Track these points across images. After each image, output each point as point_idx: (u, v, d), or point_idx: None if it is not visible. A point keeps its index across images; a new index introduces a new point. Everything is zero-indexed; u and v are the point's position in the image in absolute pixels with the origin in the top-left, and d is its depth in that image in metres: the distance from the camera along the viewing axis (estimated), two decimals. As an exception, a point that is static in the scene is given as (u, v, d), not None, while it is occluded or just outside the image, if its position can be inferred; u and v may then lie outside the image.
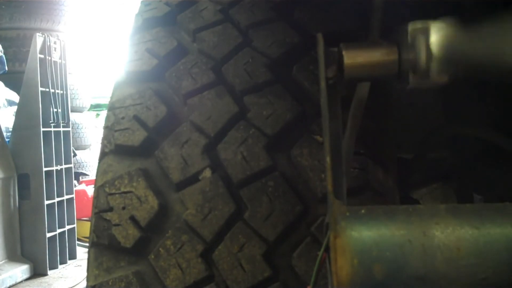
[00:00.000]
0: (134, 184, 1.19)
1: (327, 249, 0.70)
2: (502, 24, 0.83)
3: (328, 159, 0.76)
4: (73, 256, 5.48)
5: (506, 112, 1.50)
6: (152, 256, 1.14)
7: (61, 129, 5.30)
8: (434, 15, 0.91)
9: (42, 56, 5.08)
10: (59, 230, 5.21)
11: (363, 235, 0.67)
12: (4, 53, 5.90)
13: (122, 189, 1.20)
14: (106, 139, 1.27)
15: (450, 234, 0.66)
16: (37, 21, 7.75)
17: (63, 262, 5.29)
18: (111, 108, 1.31)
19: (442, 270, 0.65)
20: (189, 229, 1.14)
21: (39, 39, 5.06)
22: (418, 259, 0.66)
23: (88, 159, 8.15)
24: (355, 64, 0.86)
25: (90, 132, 8.45)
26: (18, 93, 5.33)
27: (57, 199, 5.18)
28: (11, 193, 4.90)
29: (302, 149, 1.19)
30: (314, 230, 1.13)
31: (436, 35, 0.84)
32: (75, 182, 5.89)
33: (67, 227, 5.37)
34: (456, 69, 0.84)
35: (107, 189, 1.21)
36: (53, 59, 5.22)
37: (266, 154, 1.18)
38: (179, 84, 1.29)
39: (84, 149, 8.29)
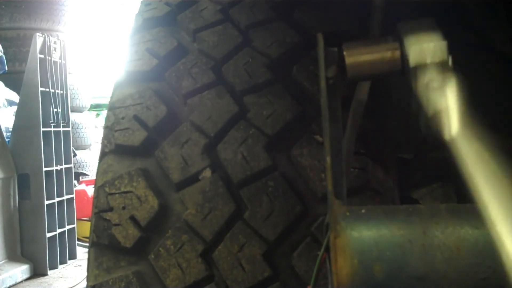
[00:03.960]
0: (134, 184, 1.19)
1: (327, 249, 0.70)
2: None
3: (328, 159, 0.76)
4: (73, 256, 5.47)
5: (506, 112, 1.50)
6: (152, 256, 1.14)
7: (61, 129, 5.29)
8: (433, 15, 0.90)
9: (42, 56, 5.07)
10: (59, 230, 5.21)
11: (363, 235, 0.67)
12: (4, 53, 5.89)
13: (122, 189, 1.20)
14: (106, 139, 1.27)
15: (450, 234, 0.66)
16: (37, 21, 7.75)
17: (63, 262, 5.29)
18: (111, 108, 1.31)
19: (442, 270, 0.65)
20: (189, 229, 1.14)
21: (39, 39, 5.06)
22: (418, 259, 0.66)
23: (88, 159, 8.14)
24: (357, 63, 0.86)
25: (90, 132, 8.44)
26: (18, 93, 5.32)
27: (57, 199, 5.17)
28: (11, 193, 4.89)
29: (302, 149, 1.19)
30: (314, 230, 1.13)
31: None
32: (75, 182, 5.88)
33: (67, 227, 5.36)
34: None
35: (107, 189, 1.21)
36: (53, 59, 5.21)
37: (266, 154, 1.18)
38: (179, 84, 1.29)
39: (84, 149, 8.29)
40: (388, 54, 0.85)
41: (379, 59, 0.85)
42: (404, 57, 0.83)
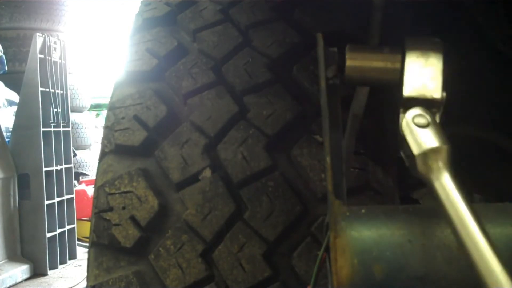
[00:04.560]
0: (134, 184, 1.19)
1: (327, 249, 0.70)
2: None
3: (328, 159, 0.76)
4: (73, 256, 5.47)
5: (506, 112, 1.50)
6: (152, 256, 1.14)
7: (61, 129, 5.29)
8: (433, 15, 0.90)
9: (42, 56, 5.07)
10: (59, 230, 5.21)
11: (363, 235, 0.67)
12: (4, 53, 5.89)
13: (122, 189, 1.20)
14: (106, 139, 1.27)
15: (450, 234, 0.66)
16: (37, 21, 7.75)
17: (63, 262, 5.29)
18: (111, 108, 1.31)
19: (442, 270, 0.65)
20: (189, 229, 1.14)
21: (39, 39, 5.06)
22: (418, 259, 0.66)
23: (88, 159, 8.14)
24: (356, 68, 0.86)
25: (90, 132, 8.44)
26: (18, 93, 5.32)
27: (57, 199, 5.18)
28: (11, 193, 4.90)
29: (302, 149, 1.19)
30: (314, 230, 1.13)
31: None
32: (75, 182, 5.88)
33: (67, 227, 5.37)
34: None
35: (107, 189, 1.21)
36: (53, 59, 5.21)
37: (266, 154, 1.18)
38: (179, 84, 1.29)
39: (84, 149, 8.29)
40: (389, 64, 0.84)
41: (379, 68, 0.85)
42: (403, 72, 0.83)
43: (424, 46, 0.82)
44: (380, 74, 0.85)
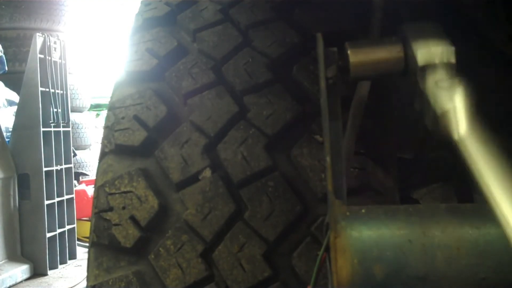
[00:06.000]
0: (134, 184, 1.19)
1: (327, 249, 0.70)
2: None
3: (328, 159, 0.76)
4: (73, 256, 5.47)
5: (506, 112, 1.50)
6: (152, 256, 1.14)
7: (61, 129, 5.29)
8: (432, 16, 0.90)
9: (42, 56, 5.07)
10: (59, 230, 5.21)
11: (363, 235, 0.67)
12: (4, 53, 5.89)
13: (122, 189, 1.20)
14: (106, 139, 1.27)
15: (450, 234, 0.66)
16: (37, 21, 7.75)
17: (63, 262, 5.29)
18: (111, 108, 1.31)
19: (442, 270, 0.65)
20: (189, 229, 1.14)
21: (39, 39, 5.05)
22: (418, 259, 0.66)
23: (88, 159, 8.14)
24: (361, 62, 0.86)
25: (90, 132, 8.44)
26: (18, 93, 5.32)
27: (57, 199, 5.17)
28: (11, 193, 4.89)
29: (302, 149, 1.19)
30: (314, 230, 1.13)
31: None
32: (75, 182, 5.88)
33: (67, 227, 5.36)
34: None
35: (107, 189, 1.21)
36: (53, 59, 5.21)
37: (266, 154, 1.18)
38: (179, 84, 1.29)
39: (84, 149, 8.29)
40: (392, 54, 0.85)
41: (382, 59, 0.86)
42: (408, 58, 0.83)
43: (423, 23, 0.84)
44: (385, 65, 0.86)
